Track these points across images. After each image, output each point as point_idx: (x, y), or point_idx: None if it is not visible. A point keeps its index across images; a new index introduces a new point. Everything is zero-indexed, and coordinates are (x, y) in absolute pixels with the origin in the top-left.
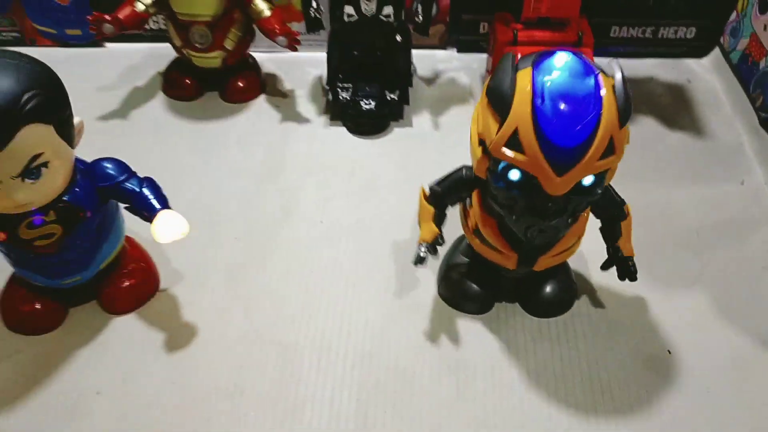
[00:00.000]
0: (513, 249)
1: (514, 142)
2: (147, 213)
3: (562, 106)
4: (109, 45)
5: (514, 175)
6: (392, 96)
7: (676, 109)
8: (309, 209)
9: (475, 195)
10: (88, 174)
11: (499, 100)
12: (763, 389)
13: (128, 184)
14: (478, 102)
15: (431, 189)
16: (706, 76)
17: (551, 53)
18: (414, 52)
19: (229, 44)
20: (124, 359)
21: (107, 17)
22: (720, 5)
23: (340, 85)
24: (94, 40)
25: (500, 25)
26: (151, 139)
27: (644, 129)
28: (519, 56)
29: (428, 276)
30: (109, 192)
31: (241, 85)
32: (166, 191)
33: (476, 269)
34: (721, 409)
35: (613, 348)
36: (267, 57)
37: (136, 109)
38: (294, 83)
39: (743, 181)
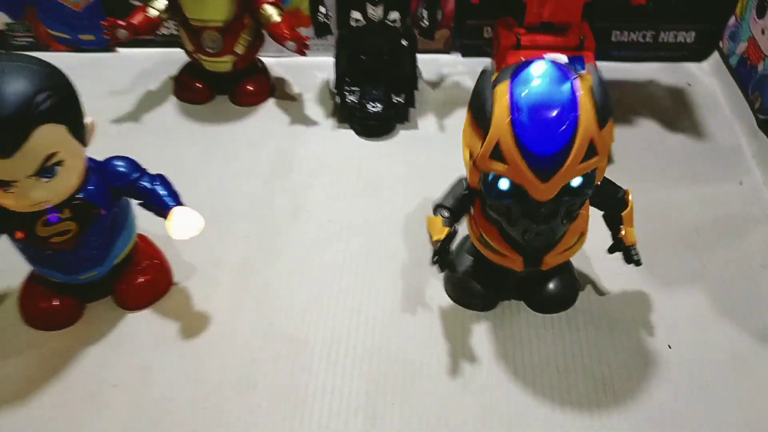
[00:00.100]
0: (517, 252)
1: (497, 153)
2: (161, 210)
3: (539, 115)
4: (121, 50)
5: (504, 184)
6: (398, 99)
7: (676, 111)
8: (318, 209)
9: (476, 205)
10: (100, 172)
11: (480, 116)
12: (760, 383)
13: (141, 182)
14: (465, 118)
15: (441, 210)
16: (705, 79)
17: (528, 63)
18: (419, 56)
19: (239, 49)
20: (140, 353)
21: (121, 22)
22: (719, 10)
23: (347, 88)
24: (107, 45)
25: (504, 29)
26: (164, 141)
27: (645, 131)
28: (497, 72)
29: (435, 273)
30: (123, 189)
31: (250, 88)
32: (178, 191)
33: (481, 268)
34: (720, 403)
35: (614, 343)
36: (275, 61)
37: (148, 112)
38: (302, 87)
39: (742, 181)
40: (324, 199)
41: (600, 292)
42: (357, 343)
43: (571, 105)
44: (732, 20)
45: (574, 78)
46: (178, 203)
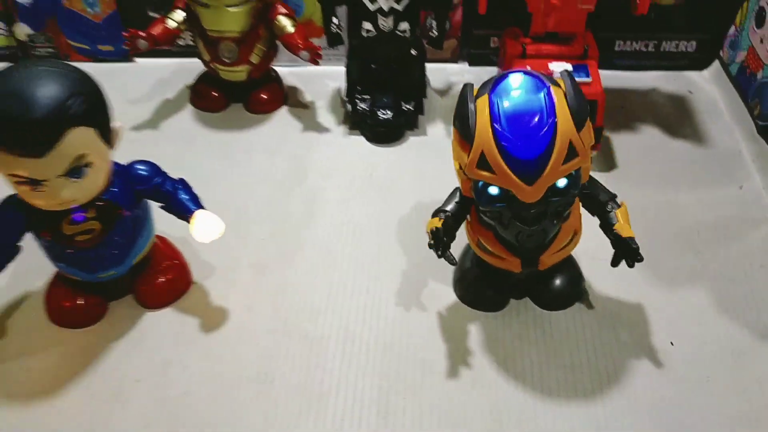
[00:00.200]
0: (514, 254)
1: (483, 163)
2: (184, 213)
3: (519, 123)
4: (139, 60)
5: (493, 190)
6: (408, 106)
7: (678, 118)
8: (331, 211)
9: (471, 212)
10: (124, 175)
11: (464, 128)
12: (759, 377)
13: (164, 186)
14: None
15: (442, 214)
16: (706, 87)
17: (505, 76)
18: (428, 65)
19: (254, 58)
20: (161, 350)
21: (142, 33)
22: (719, 20)
23: (358, 96)
24: (125, 55)
25: (510, 39)
26: (181, 147)
27: (648, 137)
28: (476, 87)
29: (444, 273)
30: (146, 192)
31: (264, 97)
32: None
33: (488, 271)
34: (721, 396)
35: (618, 339)
36: (288, 71)
37: (165, 120)
38: (314, 95)
39: (742, 185)
40: (336, 202)
41: (604, 290)
42: (370, 340)
43: (548, 111)
44: (732, 30)
45: (549, 86)
46: (200, 207)
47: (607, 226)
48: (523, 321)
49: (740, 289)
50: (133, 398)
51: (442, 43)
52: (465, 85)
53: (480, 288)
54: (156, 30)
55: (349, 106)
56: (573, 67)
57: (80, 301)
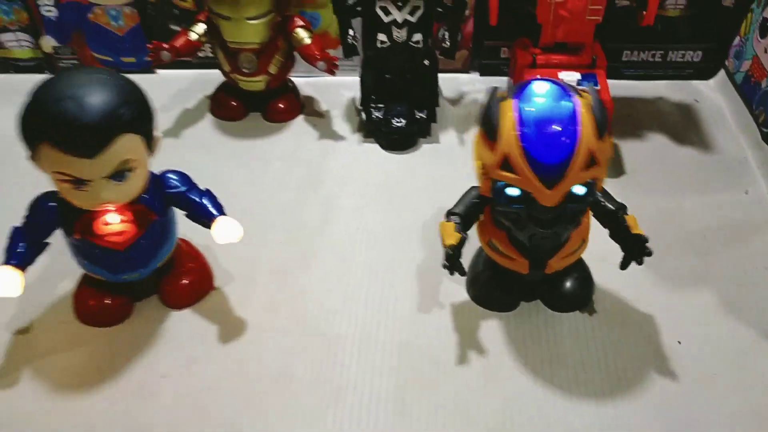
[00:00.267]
0: (524, 256)
1: (506, 164)
2: (207, 219)
3: (544, 128)
4: (160, 71)
5: (513, 191)
6: (421, 115)
7: (684, 126)
8: (346, 217)
9: (486, 212)
10: (156, 182)
11: (489, 130)
12: (764, 375)
13: (192, 194)
14: (477, 132)
15: (452, 215)
16: (712, 95)
17: (531, 83)
18: (440, 75)
19: (273, 69)
20: (185, 348)
21: (165, 45)
22: (724, 30)
23: (373, 105)
24: (147, 66)
25: (520, 50)
26: (202, 155)
27: (656, 144)
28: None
29: (457, 276)
30: (175, 199)
31: (281, 106)
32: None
33: (499, 273)
34: (726, 393)
35: (627, 338)
36: (305, 81)
37: (186, 129)
38: (329, 104)
39: (747, 191)
40: (352, 208)
41: (613, 292)
42: (386, 339)
43: (572, 119)
44: (737, 40)
45: (574, 95)
46: (222, 214)
47: (617, 231)
48: (534, 321)
49: (745, 291)
50: (159, 393)
51: (455, 54)
52: (492, 89)
53: (492, 289)
54: (179, 42)
55: (363, 115)
56: (582, 76)
57: (107, 301)
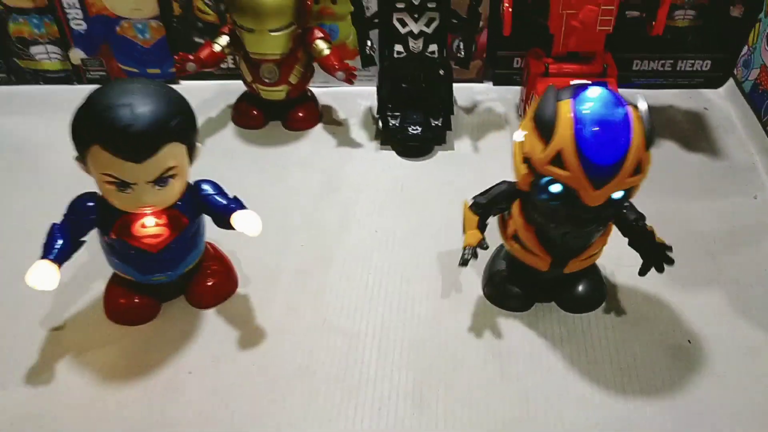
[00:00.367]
0: (548, 253)
1: (558, 160)
2: (230, 215)
3: (599, 130)
4: (183, 82)
5: (556, 188)
6: (436, 122)
7: (694, 133)
8: (364, 221)
9: (516, 206)
10: (191, 190)
11: (544, 126)
12: None
13: (222, 198)
14: (522, 126)
15: (475, 201)
16: (721, 104)
17: (586, 87)
18: (455, 84)
19: (293, 79)
20: (211, 345)
21: (190, 57)
22: (732, 40)
23: (389, 113)
24: (171, 78)
25: (533, 59)
26: (224, 162)
27: (666, 151)
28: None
29: (473, 276)
30: (205, 205)
31: (301, 115)
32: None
33: (516, 273)
34: (736, 390)
35: (638, 338)
36: (323, 91)
37: (209, 137)
38: (347, 113)
39: (756, 196)
40: (370, 212)
41: (625, 293)
42: (404, 337)
43: (626, 125)
44: (745, 49)
45: (627, 104)
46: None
47: (637, 239)
48: (549, 320)
49: (754, 293)
50: (186, 389)
51: (469, 64)
52: (549, 86)
53: (508, 288)
54: (203, 53)
55: (380, 123)
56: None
57: (136, 300)
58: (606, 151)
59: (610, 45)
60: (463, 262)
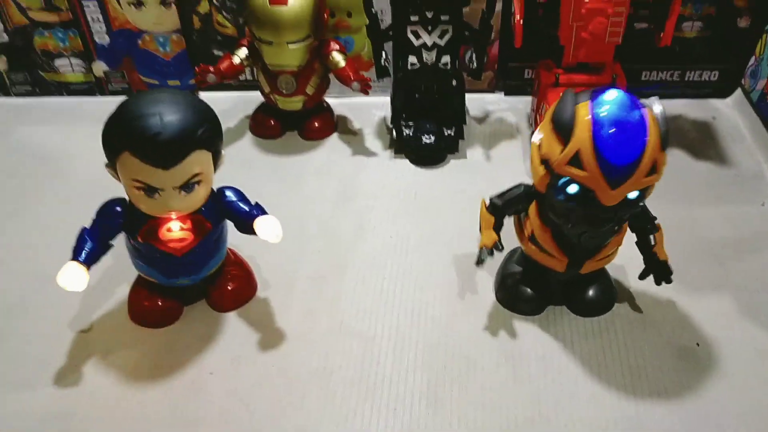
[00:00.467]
0: (565, 254)
1: (576, 161)
2: (252, 221)
3: (616, 132)
4: (203, 93)
5: (573, 188)
6: (449, 132)
7: (702, 142)
8: (379, 227)
9: (533, 207)
10: (214, 196)
11: (562, 127)
12: None
13: (244, 204)
14: (540, 128)
15: (492, 201)
16: (729, 113)
17: (604, 90)
18: (467, 95)
19: (309, 90)
20: (231, 347)
21: (211, 68)
22: (740, 51)
23: (403, 123)
24: (192, 89)
25: (544, 70)
26: (243, 171)
27: (675, 159)
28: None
29: (485, 281)
30: (228, 210)
31: (317, 125)
32: None
33: (529, 276)
34: (744, 392)
35: (648, 341)
36: (338, 101)
37: (228, 146)
38: (362, 123)
39: (763, 203)
40: (384, 219)
41: (635, 298)
42: (418, 339)
43: (642, 127)
44: (752, 60)
45: (643, 106)
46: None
47: (644, 245)
48: (560, 323)
49: (761, 297)
50: (208, 389)
51: (481, 75)
52: (566, 90)
53: (520, 292)
54: (223, 65)
55: (394, 132)
56: None
57: (159, 303)
58: (623, 151)
59: (620, 56)
60: (479, 262)
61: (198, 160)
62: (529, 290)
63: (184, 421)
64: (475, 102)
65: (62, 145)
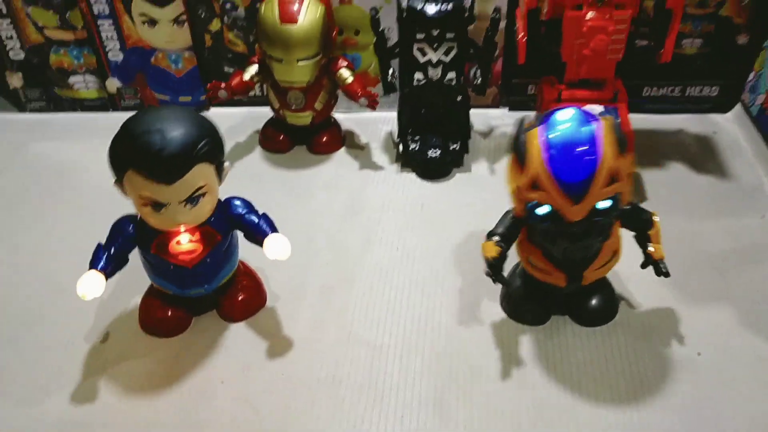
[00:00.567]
0: (560, 270)
1: (535, 185)
2: (261, 237)
3: (567, 150)
4: (213, 109)
5: (542, 210)
6: (454, 146)
7: (703, 156)
8: (386, 240)
9: (522, 232)
10: (222, 207)
11: (518, 155)
12: None
13: (251, 216)
14: (509, 160)
15: (497, 234)
16: (729, 128)
17: (555, 111)
18: (472, 110)
19: (318, 105)
20: (241, 356)
21: (222, 84)
22: (739, 66)
23: (409, 137)
24: (202, 105)
25: (546, 86)
26: (252, 185)
27: (676, 173)
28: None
29: (491, 291)
30: (237, 221)
31: (325, 139)
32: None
33: (532, 288)
34: (744, 399)
35: (650, 350)
36: (346, 117)
37: (237, 161)
38: (369, 138)
39: (764, 215)
40: (391, 232)
41: (637, 308)
42: (425, 348)
43: (592, 142)
44: (751, 75)
45: (597, 118)
46: (276, 233)
47: (641, 243)
48: (563, 333)
49: (763, 308)
50: (218, 396)
51: (485, 91)
52: (520, 119)
53: (525, 303)
54: (234, 81)
55: (401, 147)
56: (604, 109)
57: (170, 313)
58: (575, 168)
59: (621, 72)
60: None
61: (201, 174)
62: (533, 302)
63: (196, 427)
64: (479, 117)
65: (77, 159)
